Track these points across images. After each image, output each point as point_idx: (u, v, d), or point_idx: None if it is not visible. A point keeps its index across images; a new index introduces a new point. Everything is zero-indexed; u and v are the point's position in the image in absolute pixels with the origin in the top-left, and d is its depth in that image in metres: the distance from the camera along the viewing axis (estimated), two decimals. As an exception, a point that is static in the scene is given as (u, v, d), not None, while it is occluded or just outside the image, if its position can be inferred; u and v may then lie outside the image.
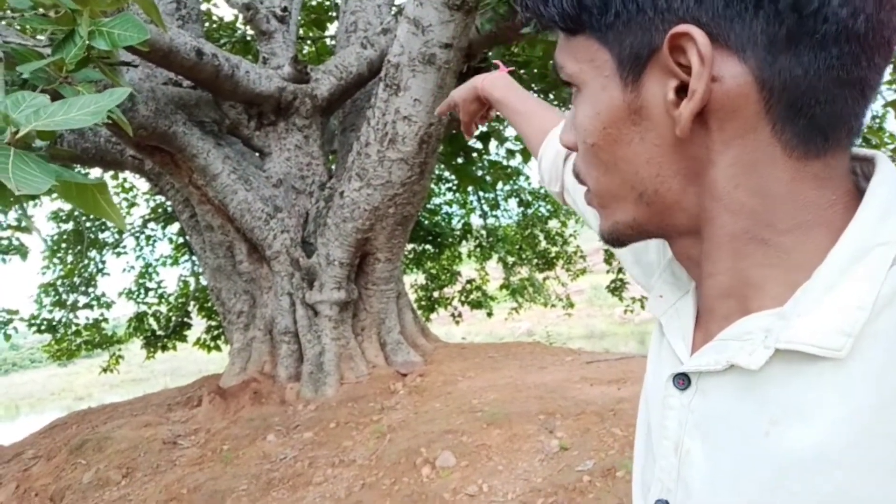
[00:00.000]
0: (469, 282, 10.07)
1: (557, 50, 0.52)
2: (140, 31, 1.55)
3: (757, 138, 0.43)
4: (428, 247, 9.43)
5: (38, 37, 2.46)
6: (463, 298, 10.00)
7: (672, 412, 0.52)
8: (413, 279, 9.92)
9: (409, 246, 9.03)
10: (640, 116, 0.46)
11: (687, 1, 0.42)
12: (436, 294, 9.94)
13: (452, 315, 9.98)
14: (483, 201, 9.23)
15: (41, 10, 1.73)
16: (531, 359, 4.74)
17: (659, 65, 0.44)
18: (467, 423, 3.41)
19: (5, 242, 7.68)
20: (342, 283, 4.39)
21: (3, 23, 1.89)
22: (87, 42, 1.57)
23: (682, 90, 0.44)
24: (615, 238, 0.54)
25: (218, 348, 8.76)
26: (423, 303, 9.74)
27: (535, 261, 9.78)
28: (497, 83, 0.99)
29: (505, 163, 7.24)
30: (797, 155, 0.43)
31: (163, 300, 9.06)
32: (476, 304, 10.01)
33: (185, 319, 8.76)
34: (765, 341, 0.44)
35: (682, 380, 0.52)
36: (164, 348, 8.65)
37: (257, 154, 4.66)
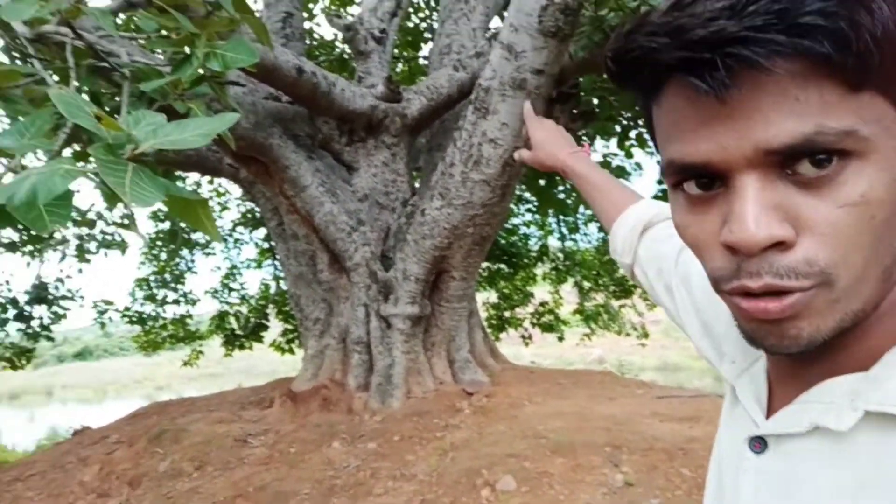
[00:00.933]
0: (542, 304, 9.98)
1: (823, 112, 0.40)
2: (250, 54, 1.65)
3: None
4: (503, 266, 9.41)
5: (157, 54, 2.65)
6: (534, 320, 9.92)
7: (747, 476, 0.52)
8: (485, 297, 9.92)
9: (484, 264, 9.04)
10: None
11: None
12: (507, 314, 9.90)
13: (522, 336, 9.91)
14: (562, 224, 9.14)
15: (164, 32, 1.87)
16: (601, 388, 4.64)
17: None
18: (531, 448, 3.37)
19: (108, 237, 8.24)
20: (416, 298, 4.45)
21: (133, 43, 2.05)
22: (203, 63, 1.68)
23: None
24: (829, 337, 0.44)
25: (291, 351, 9.05)
26: (493, 321, 9.72)
27: (612, 288, 9.58)
28: (580, 159, 1.04)
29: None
30: None
31: (244, 301, 9.43)
32: (547, 328, 9.90)
33: (263, 321, 9.08)
34: (852, 404, 0.43)
35: (759, 443, 0.51)
36: (242, 347, 9.00)
37: (346, 169, 4.82)
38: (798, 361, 0.49)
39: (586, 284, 9.46)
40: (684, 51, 0.40)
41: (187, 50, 1.68)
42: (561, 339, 9.94)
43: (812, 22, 0.37)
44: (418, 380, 4.51)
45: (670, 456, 3.14)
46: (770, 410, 0.53)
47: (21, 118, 1.35)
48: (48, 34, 1.59)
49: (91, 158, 1.11)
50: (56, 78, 1.72)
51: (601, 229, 9.33)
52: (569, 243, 9.42)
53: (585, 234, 9.54)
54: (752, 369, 0.56)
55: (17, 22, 1.35)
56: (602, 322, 9.80)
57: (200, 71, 1.70)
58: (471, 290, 4.94)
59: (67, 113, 1.15)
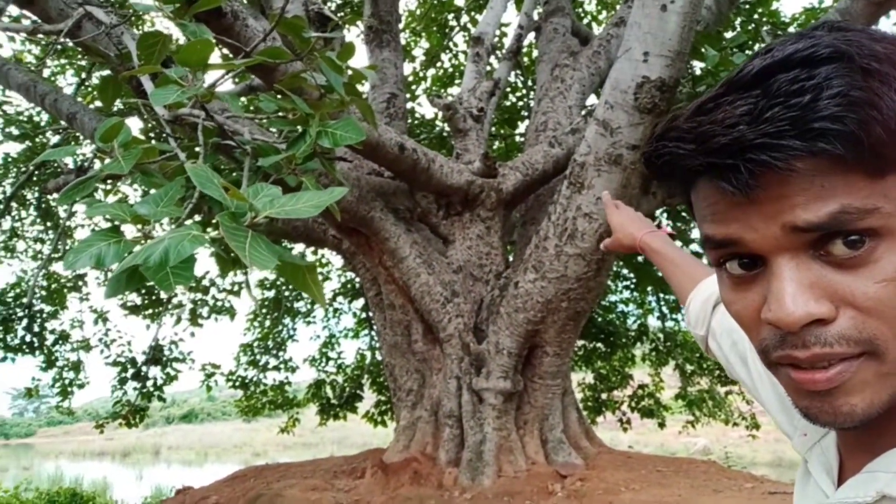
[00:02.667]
0: (641, 387, 9.49)
1: (848, 194, 0.42)
2: (358, 132, 1.78)
3: None
4: (599, 345, 9.10)
5: (274, 132, 2.90)
6: (633, 404, 9.43)
7: None
8: (581, 377, 9.59)
9: (580, 342, 8.81)
10: None
11: None
12: (604, 396, 9.48)
13: (620, 421, 9.42)
14: (662, 302, 8.81)
15: (282, 113, 2.06)
16: (705, 479, 4.32)
17: None
18: (629, 540, 3.17)
19: (219, 304, 8.78)
20: (509, 372, 4.40)
21: (254, 122, 2.25)
22: (315, 140, 1.82)
23: None
24: (884, 409, 0.45)
25: (384, 423, 9.05)
26: (589, 403, 9.34)
27: (717, 372, 9.01)
28: (657, 237, 1.07)
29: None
30: None
31: (340, 370, 9.61)
32: (647, 413, 9.37)
33: (358, 391, 9.18)
34: None
35: None
36: (336, 417, 9.10)
37: (442, 241, 4.94)
38: (866, 433, 0.49)
39: (689, 367, 8.96)
40: (709, 157, 0.44)
41: (300, 128, 1.83)
42: (662, 425, 9.38)
43: (823, 127, 0.40)
44: (510, 458, 4.39)
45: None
46: (840, 482, 0.53)
47: (154, 190, 1.51)
48: (184, 116, 1.79)
49: (210, 227, 1.23)
50: (189, 153, 1.91)
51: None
52: (669, 323, 9.03)
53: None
54: (823, 442, 0.57)
55: (159, 105, 1.53)
56: (707, 409, 9.17)
57: (313, 149, 1.84)
58: (565, 368, 4.83)
59: (199, 184, 1.29)
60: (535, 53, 7.23)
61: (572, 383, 5.71)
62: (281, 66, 2.67)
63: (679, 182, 0.51)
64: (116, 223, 1.35)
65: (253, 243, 1.19)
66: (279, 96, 2.07)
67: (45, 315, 8.31)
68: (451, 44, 8.97)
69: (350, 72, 2.12)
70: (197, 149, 1.86)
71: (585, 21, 8.31)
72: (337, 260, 9.50)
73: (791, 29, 6.98)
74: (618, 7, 5.77)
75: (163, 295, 8.00)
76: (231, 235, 1.17)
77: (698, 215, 0.50)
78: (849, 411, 0.44)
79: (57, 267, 8.57)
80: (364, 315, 9.27)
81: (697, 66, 4.15)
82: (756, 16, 7.23)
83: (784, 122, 0.40)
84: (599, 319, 8.69)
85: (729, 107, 0.43)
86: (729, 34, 6.81)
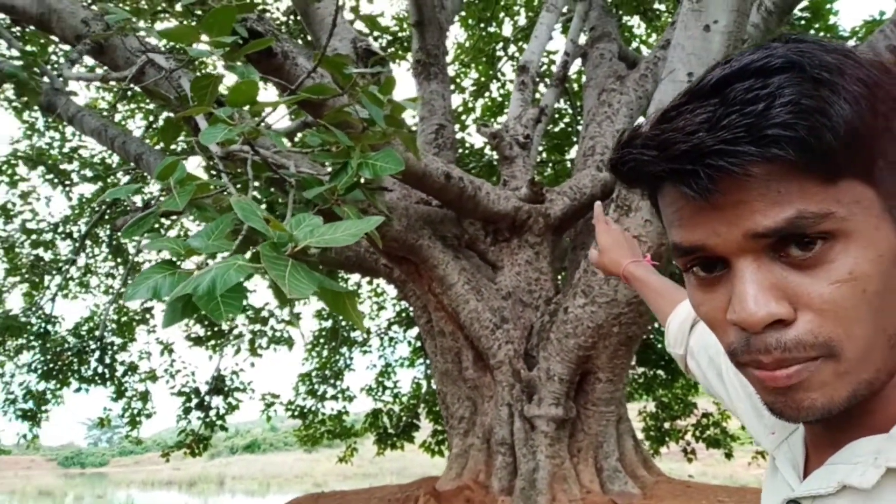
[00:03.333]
0: (706, 415, 9.16)
1: (803, 199, 0.45)
2: (397, 163, 1.84)
3: None
4: (661, 372, 8.85)
5: (320, 164, 3.01)
6: (697, 433, 9.10)
7: None
8: (642, 405, 9.34)
9: (640, 370, 8.60)
10: None
11: None
12: (667, 425, 9.18)
13: (684, 451, 9.09)
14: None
15: (326, 146, 2.14)
16: (771, 511, 4.13)
17: None
18: (689, 573, 3.05)
19: (278, 334, 9.00)
20: (561, 399, 4.34)
21: (300, 156, 2.35)
22: (356, 171, 1.90)
23: None
24: (845, 406, 0.47)
25: (441, 453, 9.00)
26: (651, 433, 9.06)
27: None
28: (640, 266, 1.11)
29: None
30: None
31: (397, 399, 9.66)
32: (713, 443, 9.00)
33: (414, 421, 9.20)
34: (875, 462, 0.47)
35: None
36: (394, 447, 9.12)
37: (490, 267, 4.96)
38: (830, 428, 0.53)
39: (755, 395, 8.60)
40: (671, 163, 0.46)
41: (343, 161, 1.91)
42: (729, 455, 9.00)
43: (776, 133, 0.42)
44: (564, 487, 4.30)
45: None
46: (806, 476, 0.56)
47: (207, 223, 1.60)
48: (234, 152, 1.90)
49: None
50: (238, 187, 2.01)
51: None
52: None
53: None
54: (791, 439, 0.60)
55: (209, 143, 1.63)
56: (776, 438, 8.76)
57: (355, 180, 1.92)
58: (619, 394, 4.73)
59: (243, 217, 1.37)
60: (582, 79, 7.25)
61: (632, 411, 5.57)
62: (328, 102, 2.78)
63: (646, 188, 0.54)
64: (172, 258, 1.44)
65: (292, 271, 1.25)
66: (325, 129, 2.17)
67: (115, 347, 8.71)
68: (499, 73, 9.09)
69: (391, 105, 2.20)
70: (241, 181, 1.96)
71: (634, 45, 8.29)
72: (391, 290, 9.63)
73: (850, 43, 6.79)
74: (666, 29, 5.74)
75: (224, 326, 8.27)
76: (271, 265, 1.24)
77: (666, 221, 0.53)
78: (809, 406, 0.47)
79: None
80: (419, 344, 9.33)
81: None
82: (812, 31, 7.07)
83: (740, 129, 0.43)
84: (659, 346, 8.46)
85: (689, 115, 0.45)
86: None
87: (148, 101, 7.92)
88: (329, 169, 2.17)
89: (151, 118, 8.30)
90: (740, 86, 0.44)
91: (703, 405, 9.35)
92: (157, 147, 6.86)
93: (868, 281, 0.45)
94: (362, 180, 1.99)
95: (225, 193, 1.84)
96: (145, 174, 7.08)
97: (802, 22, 6.99)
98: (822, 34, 6.99)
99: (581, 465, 4.47)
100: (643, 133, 0.49)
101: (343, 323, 9.47)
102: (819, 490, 0.51)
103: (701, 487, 4.71)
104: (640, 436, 7.10)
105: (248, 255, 1.34)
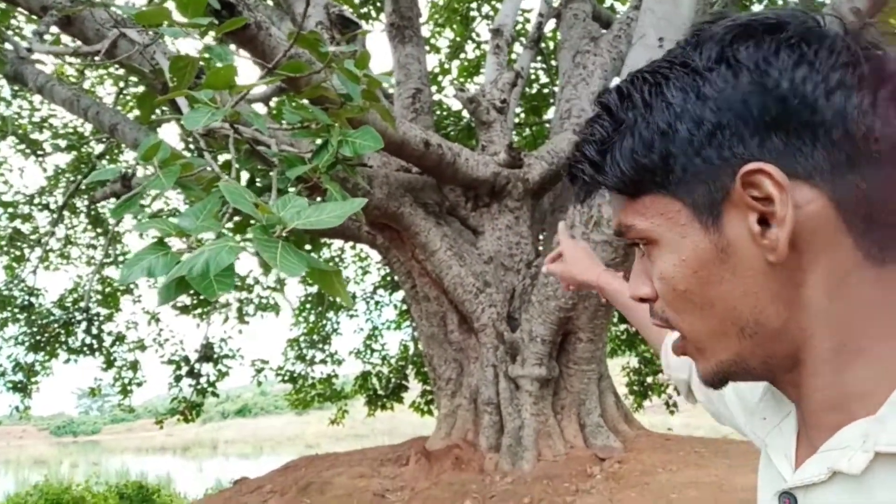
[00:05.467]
0: (686, 368, 9.40)
1: (620, 213, 0.56)
2: (376, 141, 1.89)
3: (841, 252, 0.47)
4: (641, 328, 9.04)
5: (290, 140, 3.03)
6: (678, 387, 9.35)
7: None
8: (625, 361, 9.56)
9: (622, 326, 8.79)
10: (727, 254, 0.49)
11: (750, 147, 0.48)
12: (649, 379, 9.43)
13: (667, 404, 9.37)
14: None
15: (306, 123, 2.18)
16: (742, 458, 4.33)
17: (734, 203, 0.49)
18: (664, 518, 3.23)
19: (264, 301, 9.06)
20: (543, 359, 4.48)
21: (280, 133, 2.38)
22: (336, 149, 1.94)
23: (762, 221, 0.48)
24: (720, 377, 0.55)
25: (430, 413, 9.15)
26: (634, 388, 9.30)
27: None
28: (616, 277, 1.09)
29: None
30: (882, 262, 0.47)
31: (385, 361, 9.79)
32: (693, 394, 9.29)
33: (403, 382, 9.33)
34: (863, 446, 0.45)
35: (788, 498, 0.53)
36: (384, 407, 9.26)
37: (472, 232, 5.04)
38: (820, 412, 0.51)
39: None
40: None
41: (323, 138, 1.95)
42: (709, 405, 9.29)
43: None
44: (549, 442, 4.48)
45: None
46: (799, 464, 0.54)
47: (193, 201, 1.65)
48: (215, 129, 1.93)
49: (247, 232, 1.35)
50: (220, 160, 2.05)
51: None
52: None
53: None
54: (782, 425, 0.59)
55: (192, 128, 1.66)
56: (753, 387, 9.03)
57: (335, 158, 1.96)
58: (599, 353, 4.88)
59: (232, 201, 1.42)
60: (557, 39, 7.22)
61: (615, 367, 5.74)
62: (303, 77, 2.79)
63: None
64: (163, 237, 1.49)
65: (283, 252, 1.32)
66: (303, 106, 2.20)
67: (101, 318, 8.72)
68: (474, 34, 9.00)
69: (367, 79, 2.22)
70: (225, 156, 2.00)
71: (607, 4, 8.23)
72: (376, 254, 9.68)
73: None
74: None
75: (210, 294, 8.30)
76: (263, 247, 1.30)
77: None
78: (700, 371, 0.57)
79: (109, 271, 8.99)
80: (405, 307, 9.42)
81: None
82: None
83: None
84: (639, 302, 8.61)
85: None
86: (756, 8, 6.67)
87: (117, 68, 7.76)
88: (310, 146, 2.21)
89: (122, 84, 8.14)
90: (592, 120, 0.56)
91: (684, 358, 9.56)
92: (131, 116, 6.78)
93: (675, 281, 0.52)
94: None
95: (208, 171, 1.88)
96: (121, 144, 7.00)
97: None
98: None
99: (565, 421, 4.64)
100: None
101: (329, 288, 9.48)
102: (812, 479, 0.50)
103: (679, 440, 4.92)
104: (623, 391, 7.31)
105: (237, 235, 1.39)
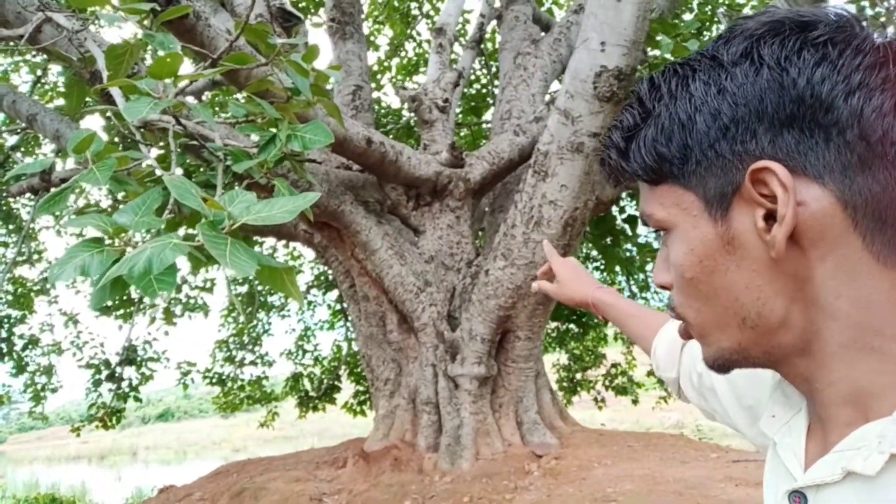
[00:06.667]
0: (614, 365, 9.71)
1: (642, 202, 0.59)
2: (326, 135, 1.84)
3: (850, 251, 0.48)
4: (572, 326, 9.26)
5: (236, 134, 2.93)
6: (607, 383, 9.65)
7: None
8: (555, 358, 9.75)
9: (553, 324, 8.96)
10: (733, 246, 0.51)
11: (761, 143, 0.49)
12: (578, 376, 9.67)
13: (595, 399, 9.64)
14: (632, 282, 9.01)
15: (251, 117, 2.11)
16: (673, 451, 4.51)
17: (743, 198, 0.50)
18: (601, 512, 3.31)
19: (192, 301, 8.74)
20: (483, 358, 4.51)
21: (225, 127, 2.29)
22: (285, 144, 1.88)
23: (769, 217, 0.49)
24: (721, 364, 0.57)
25: (363, 413, 9.09)
26: (564, 384, 9.51)
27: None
28: (609, 292, 1.11)
29: (655, 245, 7.10)
30: (891, 263, 0.48)
31: (317, 362, 9.63)
32: (621, 391, 9.59)
33: (336, 383, 9.21)
34: (879, 447, 0.45)
35: (798, 497, 0.52)
36: (315, 409, 9.13)
37: (413, 232, 5.02)
38: (832, 406, 0.51)
39: (660, 344, 9.16)
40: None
41: (270, 131, 1.89)
42: (635, 402, 9.61)
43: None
44: (487, 441, 4.51)
45: (747, 520, 3.02)
46: (809, 461, 0.54)
47: (127, 198, 1.56)
48: (153, 121, 1.83)
49: (182, 230, 1.28)
50: (153, 155, 1.95)
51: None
52: (639, 302, 9.22)
53: (656, 293, 9.34)
54: (792, 422, 0.58)
55: (132, 119, 1.57)
56: (677, 383, 9.42)
57: (283, 153, 1.90)
58: (537, 351, 4.96)
59: (179, 196, 1.34)
60: (497, 40, 7.30)
61: (546, 365, 5.85)
62: (246, 69, 2.70)
63: None
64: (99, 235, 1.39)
65: (233, 250, 1.25)
66: (249, 99, 2.12)
67: (12, 320, 8.19)
68: (414, 32, 8.99)
69: (315, 73, 2.17)
70: (160, 145, 1.90)
71: (546, 7, 8.39)
72: (309, 252, 9.50)
73: (747, 10, 7.15)
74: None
75: (134, 294, 7.94)
76: (212, 244, 1.23)
77: None
78: (704, 356, 0.58)
79: (22, 270, 8.44)
80: (339, 306, 9.29)
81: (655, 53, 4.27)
82: (712, -3, 7.38)
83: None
84: (570, 301, 8.80)
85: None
86: (687, 16, 6.96)
87: (34, 55, 7.30)
88: (256, 140, 2.13)
89: (39, 73, 7.66)
90: (623, 113, 0.58)
91: (613, 356, 9.89)
92: (51, 105, 6.39)
93: (683, 269, 0.54)
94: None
95: (145, 166, 1.79)
96: (38, 135, 6.59)
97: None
98: (720, 1, 7.32)
99: (503, 419, 4.68)
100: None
101: (260, 287, 9.28)
102: (824, 479, 0.49)
103: (612, 434, 5.06)
104: (553, 387, 7.46)
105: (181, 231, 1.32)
